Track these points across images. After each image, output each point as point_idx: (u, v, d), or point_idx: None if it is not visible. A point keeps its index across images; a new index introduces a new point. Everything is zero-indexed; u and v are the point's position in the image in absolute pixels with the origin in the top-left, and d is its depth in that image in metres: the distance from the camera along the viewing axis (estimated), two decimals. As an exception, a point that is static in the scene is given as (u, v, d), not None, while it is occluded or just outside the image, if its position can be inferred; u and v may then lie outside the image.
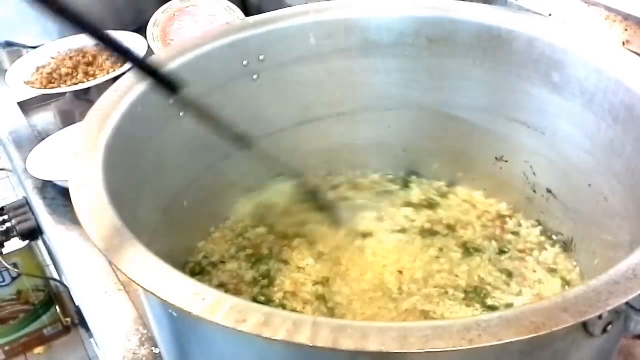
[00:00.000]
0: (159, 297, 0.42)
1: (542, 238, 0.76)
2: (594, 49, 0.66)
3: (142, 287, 0.43)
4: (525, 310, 0.39)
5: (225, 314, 0.39)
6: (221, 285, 0.72)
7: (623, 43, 0.75)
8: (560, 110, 0.70)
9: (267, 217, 0.81)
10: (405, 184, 0.85)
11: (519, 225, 0.78)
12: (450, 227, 0.78)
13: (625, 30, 0.74)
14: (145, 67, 0.58)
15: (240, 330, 0.39)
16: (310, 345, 0.37)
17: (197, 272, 0.75)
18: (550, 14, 0.82)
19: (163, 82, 0.58)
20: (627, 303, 0.40)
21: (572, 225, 0.73)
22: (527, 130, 0.74)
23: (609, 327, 0.42)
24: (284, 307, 0.69)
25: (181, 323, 0.49)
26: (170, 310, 0.48)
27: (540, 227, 0.77)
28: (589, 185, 0.68)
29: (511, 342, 0.37)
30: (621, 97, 0.62)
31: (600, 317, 0.40)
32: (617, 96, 0.62)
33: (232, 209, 0.82)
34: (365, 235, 0.77)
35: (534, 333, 0.37)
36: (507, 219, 0.79)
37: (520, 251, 0.75)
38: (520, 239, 0.76)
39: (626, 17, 0.74)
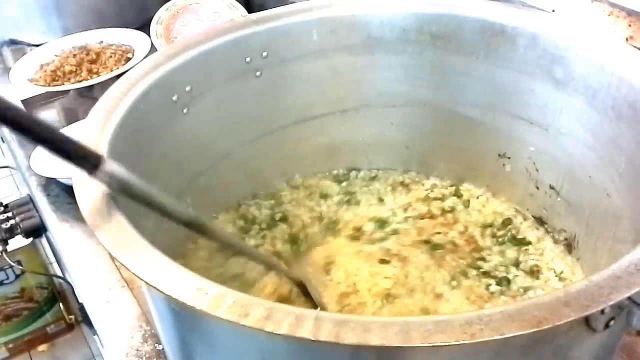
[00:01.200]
0: (162, 292, 0.42)
1: (545, 235, 0.76)
2: (598, 45, 0.66)
3: (145, 282, 0.43)
4: (528, 304, 0.39)
5: (228, 308, 0.40)
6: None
7: (627, 39, 0.75)
8: (563, 107, 0.70)
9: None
10: (408, 180, 0.85)
11: (523, 221, 0.78)
12: (455, 223, 0.78)
13: (629, 26, 0.74)
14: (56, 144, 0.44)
15: (243, 325, 0.39)
16: (313, 339, 0.38)
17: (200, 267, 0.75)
18: (553, 10, 0.82)
19: (78, 159, 0.45)
20: (629, 298, 0.40)
21: (575, 222, 0.73)
22: (531, 126, 0.74)
23: (612, 322, 0.42)
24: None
25: (184, 318, 0.49)
26: (173, 306, 0.48)
27: (543, 224, 0.77)
28: (592, 181, 0.68)
29: (513, 336, 0.37)
30: (625, 94, 0.62)
31: (602, 312, 0.40)
32: (620, 92, 0.62)
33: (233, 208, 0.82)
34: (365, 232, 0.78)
35: (536, 327, 0.37)
36: (511, 216, 0.79)
37: (523, 248, 0.75)
38: (524, 235, 0.76)
39: (630, 13, 0.74)
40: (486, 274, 0.71)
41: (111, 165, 0.47)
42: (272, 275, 0.68)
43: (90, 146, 0.46)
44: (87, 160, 0.46)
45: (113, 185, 0.48)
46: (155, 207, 0.50)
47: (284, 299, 0.67)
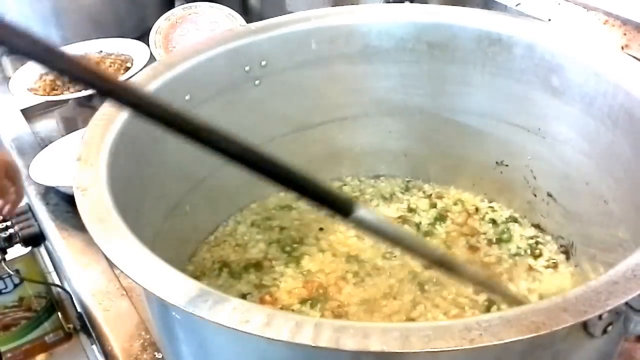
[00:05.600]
0: (162, 299, 0.42)
1: (543, 241, 0.76)
2: (594, 53, 0.66)
3: (145, 288, 0.43)
4: (526, 310, 0.39)
5: (228, 315, 0.40)
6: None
7: (622, 47, 0.75)
8: (560, 115, 0.70)
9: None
10: (407, 189, 0.86)
11: (520, 228, 0.79)
12: (452, 231, 0.78)
13: (625, 34, 0.75)
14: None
15: (243, 331, 0.39)
16: (313, 345, 0.38)
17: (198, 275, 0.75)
18: (550, 19, 0.82)
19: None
20: (626, 303, 0.40)
21: (573, 229, 0.73)
22: (528, 134, 0.75)
23: (609, 328, 0.42)
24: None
25: (184, 325, 0.49)
26: (173, 313, 0.48)
27: (541, 231, 0.77)
28: (589, 188, 0.68)
29: (512, 341, 0.37)
30: (620, 101, 0.62)
31: (600, 317, 0.40)
32: (616, 100, 0.63)
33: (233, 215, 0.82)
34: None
35: (534, 333, 0.37)
36: (508, 223, 0.79)
37: (521, 255, 0.75)
38: (521, 242, 0.77)
39: (625, 22, 0.75)
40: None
41: (362, 211, 0.46)
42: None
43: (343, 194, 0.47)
44: (343, 207, 0.46)
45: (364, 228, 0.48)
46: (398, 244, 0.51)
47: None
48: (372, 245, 0.75)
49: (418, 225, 0.80)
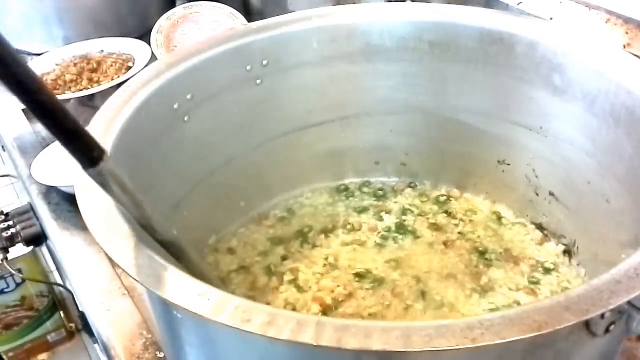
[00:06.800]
0: (164, 298, 0.42)
1: (544, 240, 0.76)
2: (595, 52, 0.66)
3: (147, 288, 0.43)
4: (528, 309, 0.39)
5: (230, 314, 0.40)
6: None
7: (624, 46, 0.75)
8: (561, 113, 0.70)
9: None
10: (407, 188, 0.86)
11: (522, 227, 0.78)
12: (454, 230, 0.78)
13: (626, 33, 0.75)
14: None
15: (245, 330, 0.39)
16: (315, 344, 0.38)
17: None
18: (551, 18, 0.82)
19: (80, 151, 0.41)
20: (629, 302, 0.40)
21: (575, 228, 0.73)
22: (529, 133, 0.75)
23: (612, 327, 0.42)
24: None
25: (186, 324, 0.49)
26: (175, 312, 0.48)
27: (542, 230, 0.77)
28: (591, 187, 0.68)
29: (514, 340, 0.37)
30: (622, 100, 0.62)
31: (602, 316, 0.40)
32: (618, 99, 0.63)
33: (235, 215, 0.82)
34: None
35: (536, 332, 0.37)
36: (510, 222, 0.79)
37: (523, 254, 0.75)
38: (523, 241, 0.77)
39: (627, 20, 0.75)
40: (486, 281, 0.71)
41: (110, 164, 0.43)
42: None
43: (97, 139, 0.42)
44: (90, 151, 0.42)
45: (107, 185, 0.44)
46: (141, 218, 0.48)
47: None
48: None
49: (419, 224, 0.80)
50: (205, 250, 0.78)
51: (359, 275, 0.72)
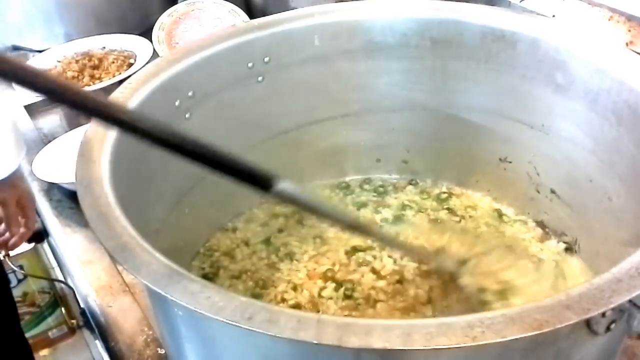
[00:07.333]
0: (165, 296, 0.42)
1: (546, 238, 0.76)
2: (598, 49, 0.66)
3: (148, 286, 0.43)
4: (529, 307, 0.39)
5: (231, 312, 0.40)
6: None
7: (627, 44, 0.75)
8: (564, 111, 0.70)
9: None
10: (409, 185, 0.86)
11: (523, 225, 0.78)
12: (455, 227, 0.78)
13: (629, 31, 0.75)
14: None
15: (246, 328, 0.39)
16: (316, 342, 0.38)
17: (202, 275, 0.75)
18: (554, 15, 0.82)
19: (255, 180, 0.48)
20: (630, 301, 0.40)
21: (576, 226, 0.73)
22: (531, 131, 0.75)
23: (613, 325, 0.42)
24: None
25: (187, 322, 0.49)
26: (176, 310, 0.48)
27: (544, 228, 0.77)
28: (593, 185, 0.68)
29: (515, 339, 0.37)
30: (625, 98, 0.62)
31: (603, 315, 0.40)
32: (620, 96, 0.63)
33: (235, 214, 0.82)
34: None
35: (537, 330, 0.37)
36: (511, 220, 0.79)
37: (524, 251, 0.75)
38: (525, 239, 0.77)
39: (630, 18, 0.74)
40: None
41: (283, 184, 0.48)
42: None
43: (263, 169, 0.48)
44: (264, 181, 0.47)
45: (286, 199, 0.50)
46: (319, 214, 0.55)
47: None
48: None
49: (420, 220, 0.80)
50: (206, 248, 0.78)
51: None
